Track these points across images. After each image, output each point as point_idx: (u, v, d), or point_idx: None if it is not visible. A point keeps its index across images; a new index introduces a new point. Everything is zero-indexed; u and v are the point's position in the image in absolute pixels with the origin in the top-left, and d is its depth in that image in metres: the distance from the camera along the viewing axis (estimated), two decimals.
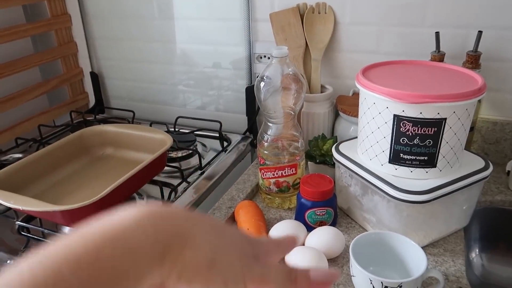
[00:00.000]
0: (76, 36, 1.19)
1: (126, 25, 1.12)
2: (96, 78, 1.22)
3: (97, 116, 1.15)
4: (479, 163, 0.64)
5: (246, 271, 0.27)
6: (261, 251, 0.29)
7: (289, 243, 0.32)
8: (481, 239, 0.76)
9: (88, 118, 1.14)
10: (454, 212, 0.64)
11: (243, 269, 0.27)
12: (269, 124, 0.72)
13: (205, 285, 0.26)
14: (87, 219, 0.66)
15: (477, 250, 0.76)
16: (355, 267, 0.53)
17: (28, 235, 0.71)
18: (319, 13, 0.89)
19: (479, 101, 0.81)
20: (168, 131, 0.93)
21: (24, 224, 0.72)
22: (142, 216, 0.25)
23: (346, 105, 0.86)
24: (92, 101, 1.26)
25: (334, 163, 0.73)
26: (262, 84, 0.69)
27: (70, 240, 0.23)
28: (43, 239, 0.69)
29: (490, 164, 0.64)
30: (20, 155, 0.95)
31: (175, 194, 0.80)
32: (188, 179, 0.85)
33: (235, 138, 1.02)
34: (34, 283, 0.20)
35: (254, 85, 1.01)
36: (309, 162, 0.82)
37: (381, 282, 0.50)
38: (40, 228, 0.72)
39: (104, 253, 0.23)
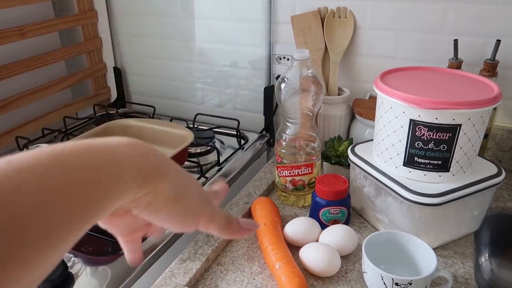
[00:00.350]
0: (102, 32, 1.23)
1: (150, 22, 1.16)
2: (119, 73, 1.26)
3: (118, 110, 1.19)
4: (492, 169, 0.66)
5: (202, 208, 0.34)
6: (209, 196, 0.37)
7: (223, 191, 0.40)
8: (491, 244, 0.78)
9: (110, 112, 1.18)
10: (465, 216, 0.66)
11: (199, 206, 0.34)
12: (287, 124, 0.75)
13: (168, 214, 0.32)
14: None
15: (487, 255, 0.78)
16: (367, 264, 0.55)
17: None
18: (339, 17, 0.91)
19: (495, 108, 0.82)
20: (188, 127, 0.96)
21: None
22: (135, 145, 0.30)
23: (362, 108, 0.88)
24: (114, 95, 1.30)
25: (349, 164, 0.76)
26: (283, 85, 0.71)
27: (68, 142, 0.26)
28: None
29: (503, 170, 0.66)
30: (46, 145, 0.99)
31: None
32: (206, 175, 0.88)
33: (252, 137, 1.05)
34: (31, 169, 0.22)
35: (272, 85, 1.05)
36: (324, 162, 0.84)
37: (392, 279, 0.52)
38: None
39: (95, 158, 0.26)
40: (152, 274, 0.65)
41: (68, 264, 0.63)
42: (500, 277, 0.77)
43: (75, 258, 0.65)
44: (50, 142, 1.02)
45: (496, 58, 0.78)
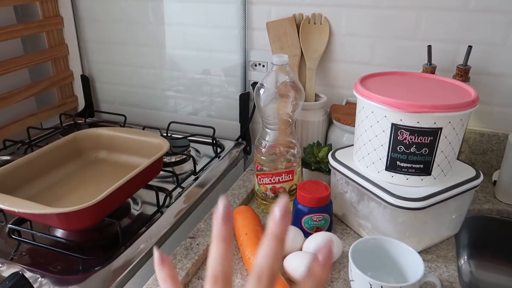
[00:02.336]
0: (68, 39, 1.18)
1: (119, 29, 1.12)
2: (86, 81, 1.21)
3: (87, 120, 1.14)
4: (470, 172, 0.67)
5: None
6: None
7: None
8: (470, 246, 0.79)
9: (78, 122, 1.12)
10: (447, 219, 0.66)
11: None
12: (267, 130, 0.73)
13: None
14: (83, 222, 0.65)
15: (466, 257, 0.79)
16: (354, 272, 0.54)
17: (19, 238, 0.69)
18: (314, 23, 0.91)
19: None
20: (162, 136, 0.93)
21: (15, 227, 0.70)
22: None
23: (340, 113, 0.88)
24: (81, 104, 1.24)
25: (329, 170, 0.75)
26: (262, 90, 0.70)
27: None
28: (34, 242, 0.68)
29: (481, 173, 0.67)
30: (8, 157, 0.93)
31: (170, 199, 0.80)
32: (182, 185, 0.85)
33: (228, 145, 1.03)
34: None
35: (248, 92, 1.03)
36: (304, 169, 0.83)
37: (381, 286, 0.51)
38: (30, 231, 0.70)
39: None
40: None
41: (35, 286, 0.58)
42: (479, 279, 0.78)
43: (42, 279, 0.60)
44: (12, 154, 0.96)
45: (468, 63, 0.79)
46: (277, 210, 0.25)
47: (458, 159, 0.71)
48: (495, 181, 0.82)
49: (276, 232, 0.25)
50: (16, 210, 0.58)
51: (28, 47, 1.14)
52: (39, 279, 0.60)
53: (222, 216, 0.27)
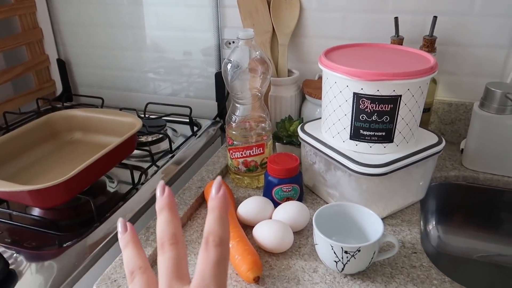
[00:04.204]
0: (42, 22, 1.17)
1: (94, 10, 1.11)
2: (63, 65, 1.20)
3: (65, 104, 1.14)
4: (433, 139, 0.69)
5: None
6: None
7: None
8: (437, 212, 0.81)
9: (56, 106, 1.12)
10: (411, 186, 0.69)
11: None
12: (236, 105, 0.74)
13: None
14: (55, 199, 0.66)
15: (434, 223, 0.82)
16: (317, 236, 0.56)
17: None
18: None
19: (435, 83, 0.86)
20: (138, 117, 0.93)
21: None
22: None
23: (312, 88, 0.89)
24: (59, 89, 1.24)
25: (300, 143, 0.76)
26: (229, 66, 0.70)
27: None
28: (11, 222, 0.69)
29: (443, 139, 0.69)
30: None
31: (145, 177, 0.81)
32: (158, 163, 0.86)
33: (205, 123, 1.04)
34: None
35: None
36: (276, 143, 0.84)
37: (341, 247, 0.53)
38: (7, 211, 0.71)
39: None
40: (102, 264, 0.63)
41: (10, 261, 0.60)
42: (447, 243, 0.81)
43: (17, 255, 0.61)
44: None
45: (435, 34, 0.81)
46: (213, 188, 0.31)
47: (424, 127, 0.73)
48: (462, 150, 0.84)
49: (214, 205, 0.30)
50: None
51: (2, 32, 1.13)
52: (14, 254, 0.61)
53: (159, 189, 0.32)
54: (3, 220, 0.70)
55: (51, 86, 1.24)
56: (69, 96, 1.22)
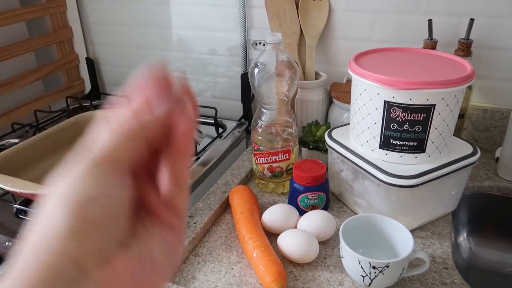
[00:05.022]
0: (71, 21, 1.19)
1: (122, 10, 1.12)
2: (91, 64, 1.22)
3: (93, 102, 1.16)
4: (468, 149, 0.66)
5: None
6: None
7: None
8: (469, 223, 0.78)
9: (84, 104, 1.14)
10: (442, 197, 0.66)
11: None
12: (263, 110, 0.73)
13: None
14: None
15: (465, 234, 0.79)
16: (344, 249, 0.54)
17: (26, 218, 0.72)
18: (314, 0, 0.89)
19: (470, 88, 0.82)
20: None
21: (22, 207, 0.73)
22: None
23: (339, 92, 0.87)
24: (88, 87, 1.26)
25: (326, 149, 0.75)
26: (256, 70, 0.69)
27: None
28: None
29: (478, 149, 0.66)
30: (16, 140, 0.95)
31: None
32: None
33: (230, 125, 1.03)
34: None
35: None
36: (302, 148, 0.83)
37: (369, 263, 0.51)
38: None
39: None
40: None
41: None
42: (478, 255, 0.78)
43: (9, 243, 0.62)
44: (20, 137, 0.99)
45: (470, 37, 0.77)
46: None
47: (458, 136, 0.70)
48: (497, 158, 0.80)
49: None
50: (18, 190, 0.61)
51: (34, 31, 1.16)
52: (6, 243, 0.63)
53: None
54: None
55: (80, 85, 1.26)
56: (97, 94, 1.23)
